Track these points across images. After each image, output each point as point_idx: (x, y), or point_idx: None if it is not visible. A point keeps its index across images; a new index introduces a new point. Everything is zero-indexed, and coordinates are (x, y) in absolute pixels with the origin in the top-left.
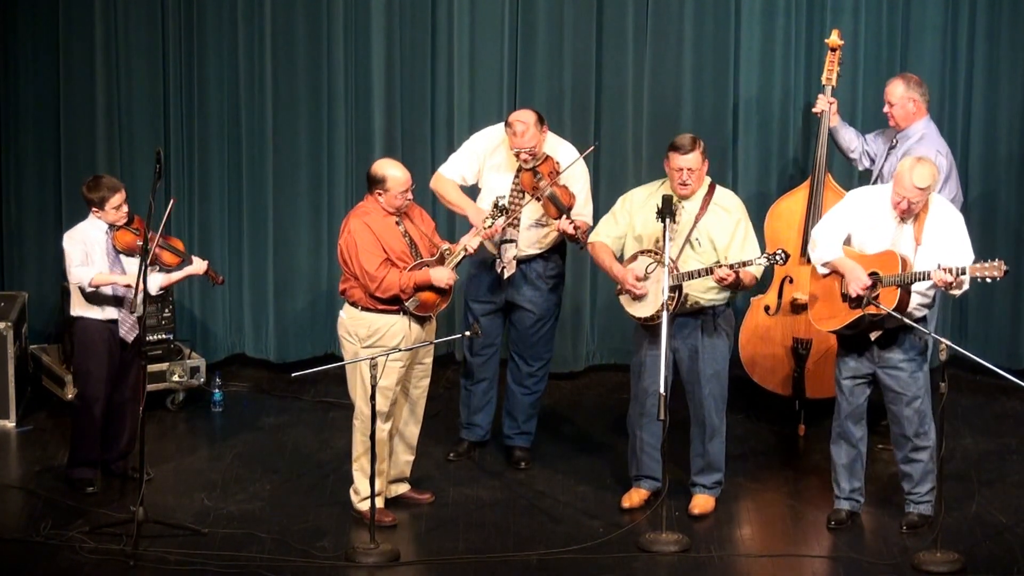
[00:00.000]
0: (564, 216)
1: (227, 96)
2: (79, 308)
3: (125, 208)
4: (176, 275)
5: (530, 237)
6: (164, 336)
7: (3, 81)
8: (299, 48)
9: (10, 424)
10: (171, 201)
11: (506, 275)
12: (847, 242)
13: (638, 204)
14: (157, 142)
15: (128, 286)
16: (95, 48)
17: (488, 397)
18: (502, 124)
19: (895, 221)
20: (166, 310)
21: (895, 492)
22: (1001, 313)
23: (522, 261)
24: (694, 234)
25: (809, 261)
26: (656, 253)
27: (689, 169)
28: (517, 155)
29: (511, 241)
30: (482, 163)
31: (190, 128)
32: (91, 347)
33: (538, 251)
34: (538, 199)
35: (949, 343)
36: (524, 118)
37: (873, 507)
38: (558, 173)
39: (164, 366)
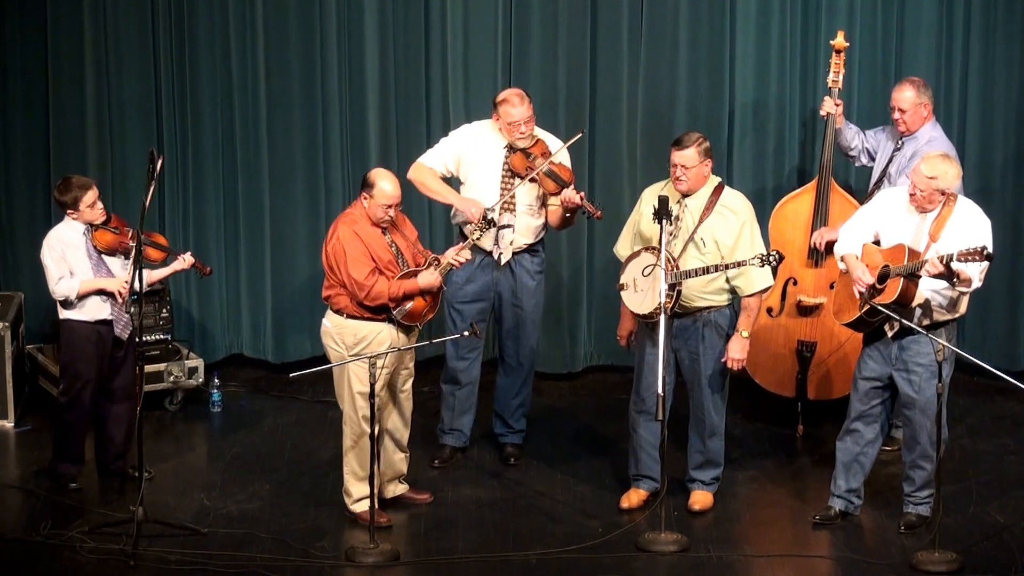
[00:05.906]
0: (567, 188)
1: (220, 95)
2: (66, 311)
3: (100, 205)
4: (162, 272)
5: (521, 225)
6: (162, 336)
7: None
8: (292, 46)
9: (9, 424)
10: (160, 159)
11: (503, 261)
12: (876, 242)
13: (646, 201)
14: (149, 141)
15: (118, 291)
16: (84, 46)
17: (471, 401)
18: (482, 121)
19: (916, 219)
20: (164, 310)
21: (894, 492)
22: (998, 315)
23: (513, 254)
24: (698, 234)
25: (816, 264)
26: (658, 251)
27: (682, 166)
28: (517, 125)
29: (508, 226)
30: (462, 155)
31: (183, 127)
32: (79, 349)
33: (533, 240)
34: (533, 179)
35: (947, 343)
36: (521, 91)
37: (872, 507)
38: (550, 153)
39: (162, 366)
